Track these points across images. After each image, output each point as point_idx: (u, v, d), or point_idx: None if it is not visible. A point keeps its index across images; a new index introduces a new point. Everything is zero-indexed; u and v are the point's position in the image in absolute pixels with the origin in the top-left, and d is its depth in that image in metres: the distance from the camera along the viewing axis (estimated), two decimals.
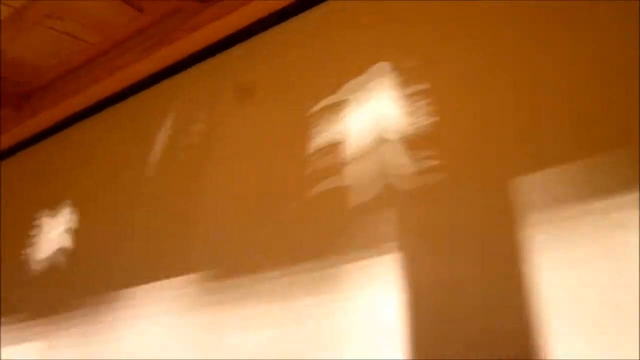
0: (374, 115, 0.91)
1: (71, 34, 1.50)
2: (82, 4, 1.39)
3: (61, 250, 1.35)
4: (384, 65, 0.95)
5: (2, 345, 1.33)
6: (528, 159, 0.75)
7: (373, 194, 0.85)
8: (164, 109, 1.33)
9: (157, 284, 1.08)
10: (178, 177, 1.19)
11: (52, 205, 1.48)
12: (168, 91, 1.37)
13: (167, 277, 1.07)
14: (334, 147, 0.94)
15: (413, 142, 0.85)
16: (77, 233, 1.35)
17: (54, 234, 1.41)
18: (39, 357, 1.23)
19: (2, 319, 1.39)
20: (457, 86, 0.85)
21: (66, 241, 1.35)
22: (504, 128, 0.78)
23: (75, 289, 1.25)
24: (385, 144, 0.87)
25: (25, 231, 1.53)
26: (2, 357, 1.32)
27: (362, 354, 0.77)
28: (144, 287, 1.10)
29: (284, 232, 0.94)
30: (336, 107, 0.98)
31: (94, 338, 1.14)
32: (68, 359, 1.16)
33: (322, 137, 0.97)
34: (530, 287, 0.70)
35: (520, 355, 0.68)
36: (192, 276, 1.03)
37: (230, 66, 1.25)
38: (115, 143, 1.43)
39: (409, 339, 0.74)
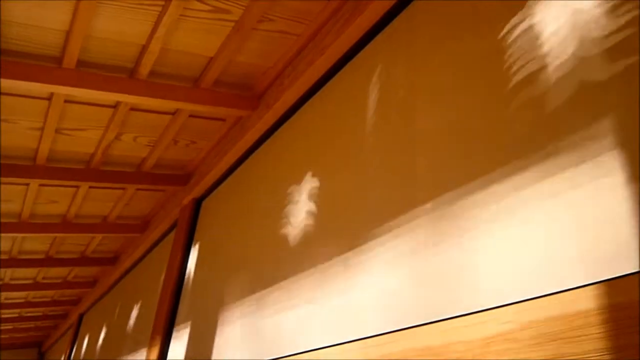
0: (570, 26, 0.92)
1: (282, 31, 1.74)
2: (286, 3, 1.60)
3: (309, 215, 1.57)
4: None
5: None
6: None
7: (573, 98, 0.86)
8: (370, 71, 1.47)
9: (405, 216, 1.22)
10: (391, 121, 1.31)
11: (299, 179, 1.73)
12: (369, 56, 1.50)
13: (400, 213, 1.20)
14: (532, 70, 0.97)
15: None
16: (321, 198, 1.55)
17: (301, 203, 1.65)
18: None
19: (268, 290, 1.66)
20: None
21: (312, 207, 1.57)
22: None
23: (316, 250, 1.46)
24: (585, 50, 0.88)
25: (279, 206, 1.80)
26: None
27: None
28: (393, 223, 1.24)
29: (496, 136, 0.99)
30: (528, 28, 1.00)
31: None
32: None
33: (518, 56, 1.00)
34: None
35: None
36: (420, 210, 1.14)
37: (419, 15, 1.33)
38: (334, 113, 1.61)
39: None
